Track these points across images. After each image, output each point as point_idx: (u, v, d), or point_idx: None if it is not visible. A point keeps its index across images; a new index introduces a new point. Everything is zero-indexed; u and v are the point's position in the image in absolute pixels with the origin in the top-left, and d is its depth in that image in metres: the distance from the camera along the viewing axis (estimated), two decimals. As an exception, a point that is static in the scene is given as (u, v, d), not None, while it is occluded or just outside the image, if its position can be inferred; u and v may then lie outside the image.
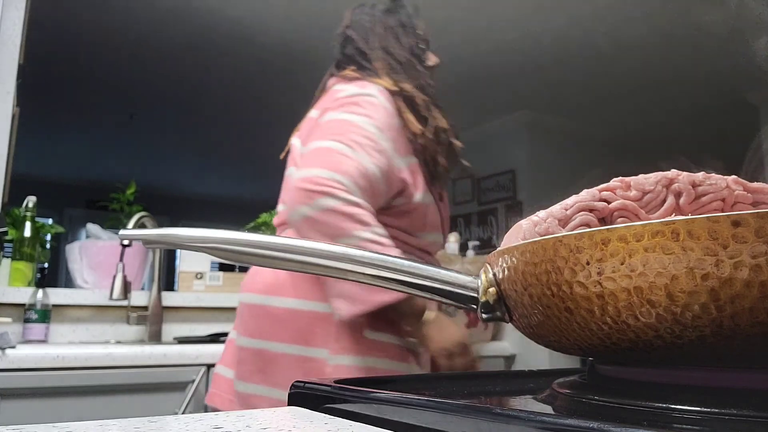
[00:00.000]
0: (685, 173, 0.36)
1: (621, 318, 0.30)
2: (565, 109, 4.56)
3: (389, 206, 1.09)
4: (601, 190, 0.37)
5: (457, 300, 0.42)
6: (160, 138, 5.44)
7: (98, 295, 1.80)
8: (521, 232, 0.38)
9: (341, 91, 1.15)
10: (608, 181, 0.38)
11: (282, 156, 1.29)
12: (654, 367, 0.33)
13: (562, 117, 4.69)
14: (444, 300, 0.43)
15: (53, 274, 6.15)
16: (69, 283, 2.00)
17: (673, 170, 0.36)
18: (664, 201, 0.36)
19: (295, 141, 1.25)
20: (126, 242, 1.67)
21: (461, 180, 5.16)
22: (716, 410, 0.27)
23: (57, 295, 1.74)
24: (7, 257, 1.79)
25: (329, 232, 0.95)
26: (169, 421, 0.34)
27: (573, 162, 4.63)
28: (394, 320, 1.03)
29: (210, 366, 1.38)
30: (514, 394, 0.47)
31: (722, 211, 0.34)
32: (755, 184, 0.35)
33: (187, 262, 2.04)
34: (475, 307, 0.42)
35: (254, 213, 2.28)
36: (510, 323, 0.41)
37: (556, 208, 0.38)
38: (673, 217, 0.29)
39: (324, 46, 4.06)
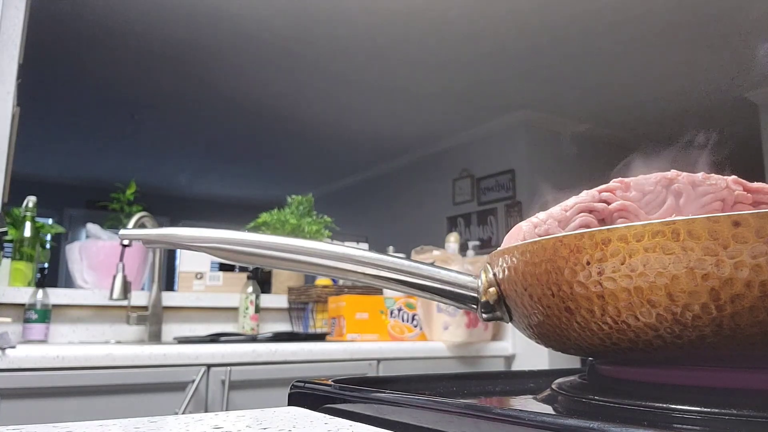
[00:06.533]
0: (684, 173, 0.36)
1: (621, 318, 0.30)
2: (565, 109, 4.56)
3: None
4: (600, 191, 0.37)
5: (457, 300, 0.42)
6: (160, 138, 5.44)
7: (98, 295, 1.80)
8: (521, 233, 0.38)
9: None
10: (608, 181, 0.38)
11: None
12: (654, 367, 0.33)
13: (561, 117, 4.69)
14: (444, 300, 0.43)
15: (53, 274, 6.15)
16: (69, 283, 2.00)
17: (672, 170, 0.36)
18: (664, 201, 0.36)
19: None
20: (126, 242, 1.67)
21: (461, 180, 5.16)
22: (716, 410, 0.27)
23: (57, 295, 1.74)
24: (7, 257, 1.79)
25: None
26: (169, 421, 0.34)
27: (573, 162, 4.63)
28: None
29: (210, 366, 1.38)
30: (514, 394, 0.47)
31: (722, 211, 0.34)
32: (755, 184, 0.35)
33: (187, 262, 2.04)
34: (475, 307, 0.42)
35: (254, 213, 2.28)
36: (510, 323, 0.41)
37: (556, 210, 0.38)
38: (673, 218, 0.29)
39: (325, 46, 4.04)
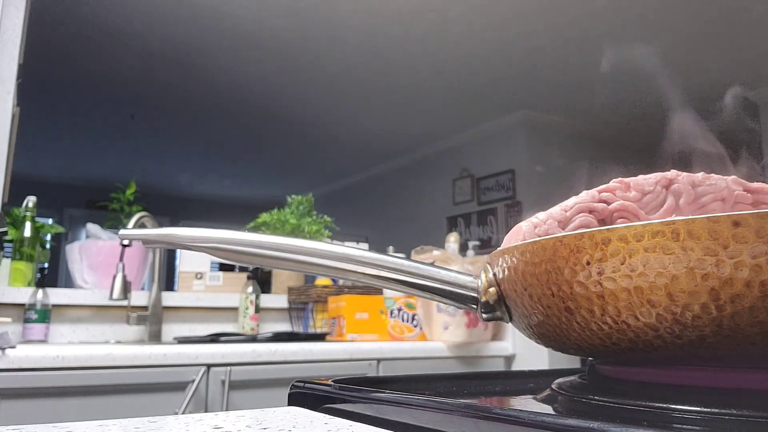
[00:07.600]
0: (684, 173, 0.36)
1: (621, 318, 0.30)
2: (565, 109, 4.56)
3: None
4: (600, 191, 0.37)
5: (457, 300, 0.42)
6: (161, 138, 5.44)
7: (98, 295, 1.80)
8: (521, 233, 0.38)
9: None
10: (608, 181, 0.38)
11: None
12: (654, 367, 0.33)
13: (561, 117, 4.69)
14: (444, 300, 0.43)
15: (53, 274, 6.15)
16: (69, 283, 2.00)
17: (672, 170, 0.36)
18: (663, 201, 0.36)
19: None
20: (126, 242, 1.67)
21: (461, 180, 5.16)
22: (716, 410, 0.27)
23: (57, 295, 1.74)
24: (7, 257, 1.79)
25: None
26: (169, 421, 0.34)
27: (573, 162, 4.63)
28: None
29: (210, 366, 1.38)
30: (514, 394, 0.47)
31: (722, 211, 0.34)
32: (755, 184, 0.35)
33: (187, 262, 2.04)
34: (475, 307, 0.42)
35: (254, 213, 2.28)
36: (510, 323, 0.41)
37: (556, 210, 0.37)
38: (673, 218, 0.29)
39: (325, 46, 4.05)
